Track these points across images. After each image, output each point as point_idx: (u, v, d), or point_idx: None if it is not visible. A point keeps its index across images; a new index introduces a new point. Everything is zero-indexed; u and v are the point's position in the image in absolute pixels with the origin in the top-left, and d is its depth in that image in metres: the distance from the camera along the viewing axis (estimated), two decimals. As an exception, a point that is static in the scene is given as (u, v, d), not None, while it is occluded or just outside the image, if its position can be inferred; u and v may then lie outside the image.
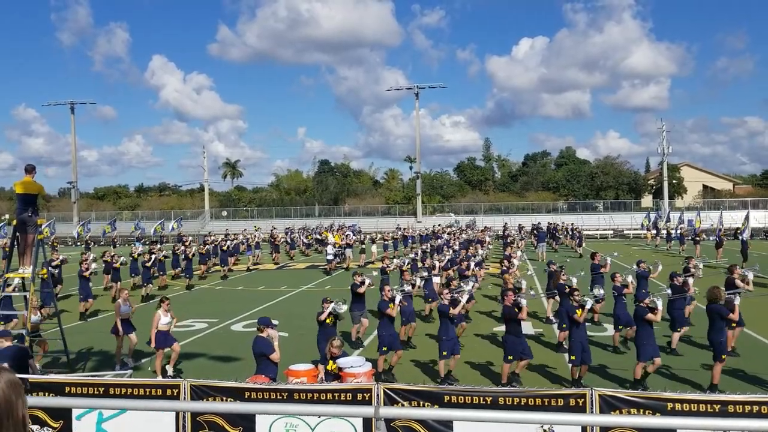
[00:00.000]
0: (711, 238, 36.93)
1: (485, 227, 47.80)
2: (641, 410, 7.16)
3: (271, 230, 41.86)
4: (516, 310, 11.26)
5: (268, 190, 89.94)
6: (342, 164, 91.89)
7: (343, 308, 12.15)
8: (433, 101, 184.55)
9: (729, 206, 52.43)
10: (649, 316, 10.92)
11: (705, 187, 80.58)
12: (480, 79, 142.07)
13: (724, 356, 10.68)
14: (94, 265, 20.66)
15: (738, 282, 13.65)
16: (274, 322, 10.35)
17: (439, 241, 31.70)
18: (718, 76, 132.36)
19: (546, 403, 7.28)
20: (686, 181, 77.68)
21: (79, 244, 54.34)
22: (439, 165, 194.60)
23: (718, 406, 7.17)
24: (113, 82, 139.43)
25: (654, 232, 45.24)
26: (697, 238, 34.02)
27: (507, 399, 7.12)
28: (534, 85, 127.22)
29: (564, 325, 13.41)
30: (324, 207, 76.56)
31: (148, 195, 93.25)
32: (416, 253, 25.13)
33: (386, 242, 36.18)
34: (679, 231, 38.85)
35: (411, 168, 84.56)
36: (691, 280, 14.84)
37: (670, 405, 7.22)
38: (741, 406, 7.20)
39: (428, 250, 26.63)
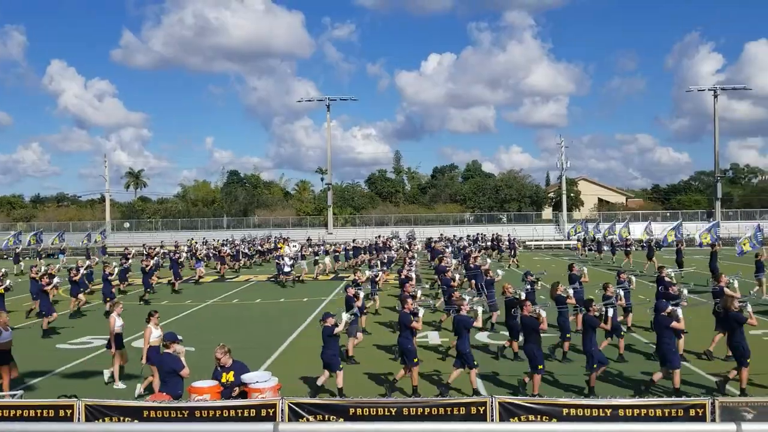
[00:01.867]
0: (642, 248, 38.40)
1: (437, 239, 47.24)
2: (539, 416, 7.43)
3: (216, 243, 40.78)
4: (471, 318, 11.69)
5: (174, 201, 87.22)
6: (252, 175, 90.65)
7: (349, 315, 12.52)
8: (344, 113, 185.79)
9: (622, 218, 55.31)
10: (603, 325, 11.60)
11: (600, 200, 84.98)
12: (390, 93, 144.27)
13: (748, 360, 11.06)
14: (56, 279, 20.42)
15: (726, 290, 14.43)
16: (179, 337, 10.06)
17: (392, 252, 31.86)
18: (612, 95, 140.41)
19: (449, 413, 7.42)
20: (583, 195, 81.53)
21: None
22: (351, 177, 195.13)
23: (609, 410, 7.54)
24: (9, 87, 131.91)
25: (582, 242, 46.99)
26: (629, 249, 35.75)
27: (411, 409, 7.21)
28: (442, 100, 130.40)
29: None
30: (233, 219, 75.08)
31: (45, 206, 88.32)
32: (411, 265, 24.89)
33: (338, 254, 35.95)
34: (610, 240, 40.79)
35: (322, 179, 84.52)
36: (621, 293, 15.36)
37: (565, 410, 7.50)
38: (630, 410, 7.60)
39: (386, 261, 26.62)
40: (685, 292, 14.64)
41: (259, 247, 44.84)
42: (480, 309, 12.71)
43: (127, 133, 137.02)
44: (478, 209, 76.11)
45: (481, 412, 7.34)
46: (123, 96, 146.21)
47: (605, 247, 40.31)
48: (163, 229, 70.33)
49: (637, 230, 45.53)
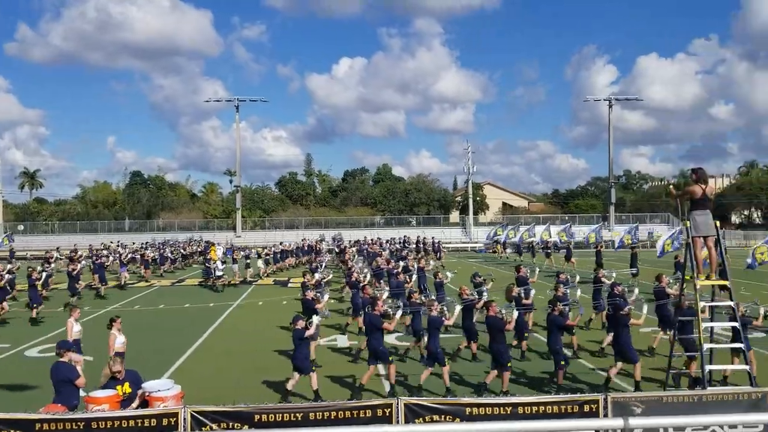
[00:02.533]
0: (562, 251, 39.57)
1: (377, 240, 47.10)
2: (443, 416, 7.60)
3: (142, 245, 38.74)
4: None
5: (73, 202, 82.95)
6: (156, 176, 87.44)
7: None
8: (254, 114, 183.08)
9: (525, 222, 57.46)
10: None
11: (505, 204, 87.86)
12: (301, 95, 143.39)
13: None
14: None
15: (668, 290, 14.99)
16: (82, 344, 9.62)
17: (323, 256, 31.42)
18: (515, 103, 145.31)
19: (356, 415, 7.47)
20: (488, 199, 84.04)
21: None
22: (261, 179, 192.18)
23: (510, 408, 7.82)
24: None
25: (502, 245, 48.24)
26: (549, 251, 36.92)
27: (318, 414, 7.22)
28: (353, 103, 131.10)
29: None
30: (135, 221, 72.33)
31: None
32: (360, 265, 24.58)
33: (268, 257, 35.29)
34: (530, 243, 42.18)
35: (231, 181, 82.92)
36: (533, 293, 16.01)
37: (468, 410, 7.73)
38: (528, 407, 7.91)
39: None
40: (636, 291, 15.37)
41: (183, 251, 43.55)
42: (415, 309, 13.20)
43: (22, 131, 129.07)
44: (388, 212, 76.83)
45: (387, 414, 7.44)
46: (18, 92, 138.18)
47: (524, 249, 41.82)
48: (61, 232, 66.83)
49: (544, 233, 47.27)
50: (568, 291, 15.78)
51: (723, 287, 11.24)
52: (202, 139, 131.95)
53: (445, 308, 12.85)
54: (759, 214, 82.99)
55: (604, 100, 68.96)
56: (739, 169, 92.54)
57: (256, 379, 12.80)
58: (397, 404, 7.43)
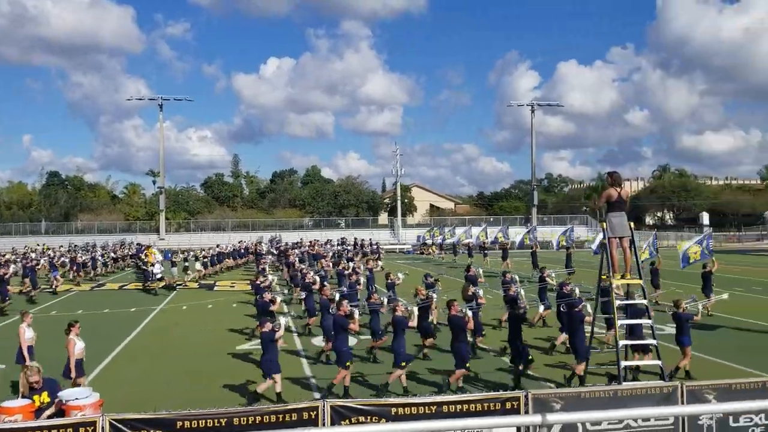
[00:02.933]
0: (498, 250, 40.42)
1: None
2: (369, 417, 7.65)
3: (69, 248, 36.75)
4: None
5: (-16, 203, 78.83)
6: (75, 177, 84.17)
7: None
8: (178, 114, 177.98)
9: (451, 223, 58.40)
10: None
11: (432, 206, 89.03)
12: (227, 95, 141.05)
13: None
14: None
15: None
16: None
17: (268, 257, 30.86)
18: (442, 107, 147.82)
19: (281, 419, 7.42)
20: (416, 201, 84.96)
21: None
22: (185, 180, 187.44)
23: (435, 407, 7.95)
24: None
25: (438, 246, 48.67)
26: (486, 252, 37.76)
27: (242, 419, 7.13)
28: (281, 104, 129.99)
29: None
30: (52, 223, 69.27)
31: None
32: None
33: (206, 259, 34.57)
34: (467, 244, 42.93)
35: (154, 182, 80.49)
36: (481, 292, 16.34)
37: (394, 410, 7.81)
38: (453, 406, 8.07)
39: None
40: (577, 290, 15.82)
41: (113, 254, 41.97)
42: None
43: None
44: (317, 214, 76.50)
45: (313, 416, 7.42)
46: None
47: (461, 250, 42.53)
48: (-30, 234, 63.40)
49: (469, 235, 48.28)
50: (522, 291, 16.33)
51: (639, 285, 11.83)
52: (124, 138, 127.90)
53: (409, 308, 13.17)
54: (671, 215, 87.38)
55: (527, 105, 70.95)
56: (652, 172, 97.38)
57: (181, 385, 12.52)
58: (323, 407, 7.42)
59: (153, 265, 28.98)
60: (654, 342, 11.15)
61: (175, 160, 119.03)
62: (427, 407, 7.82)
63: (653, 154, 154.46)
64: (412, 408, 7.78)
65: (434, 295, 15.64)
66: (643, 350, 12.35)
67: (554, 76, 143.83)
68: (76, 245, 46.25)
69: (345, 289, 18.41)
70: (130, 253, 44.27)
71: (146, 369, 14.05)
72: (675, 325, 12.75)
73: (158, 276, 28.29)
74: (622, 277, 11.37)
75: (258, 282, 18.95)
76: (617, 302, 11.41)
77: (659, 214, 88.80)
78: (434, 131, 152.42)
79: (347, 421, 7.49)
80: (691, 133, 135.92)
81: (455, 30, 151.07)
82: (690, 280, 23.70)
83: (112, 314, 22.22)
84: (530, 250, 34.07)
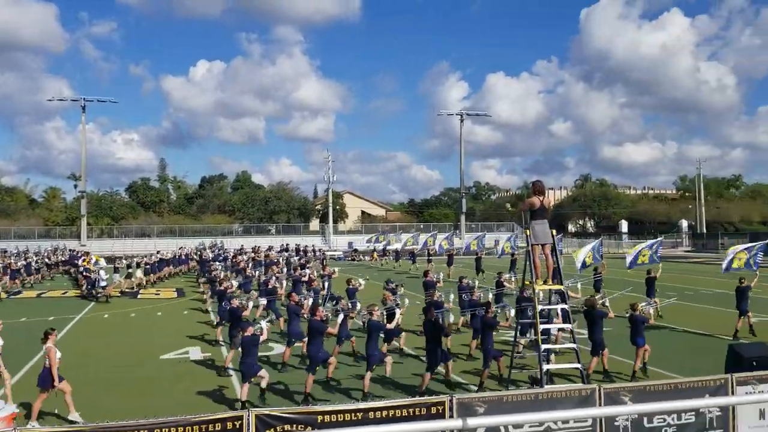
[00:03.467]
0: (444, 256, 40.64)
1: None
2: (295, 425, 7.59)
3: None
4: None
5: None
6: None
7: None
8: (102, 116, 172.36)
9: (382, 230, 58.67)
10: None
11: (363, 212, 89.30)
12: (155, 97, 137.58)
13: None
14: None
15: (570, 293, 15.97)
16: None
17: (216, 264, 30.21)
18: (374, 114, 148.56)
19: (205, 430, 7.27)
20: (348, 207, 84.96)
21: None
22: (109, 184, 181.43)
23: (361, 414, 7.97)
24: None
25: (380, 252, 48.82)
26: (430, 258, 38.26)
27: (163, 429, 6.95)
28: (211, 108, 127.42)
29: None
30: (-37, 228, 65.65)
31: None
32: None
33: (147, 266, 33.41)
34: (411, 250, 43.49)
35: (76, 186, 77.37)
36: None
37: (320, 417, 7.78)
38: (379, 412, 8.10)
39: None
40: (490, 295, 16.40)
41: (47, 260, 40.11)
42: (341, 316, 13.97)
43: None
44: (247, 220, 75.40)
45: (238, 426, 7.32)
46: None
47: (405, 257, 43.30)
48: None
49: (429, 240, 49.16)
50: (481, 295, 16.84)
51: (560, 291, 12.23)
52: (44, 140, 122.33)
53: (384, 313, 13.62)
54: (592, 223, 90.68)
55: (456, 114, 72.13)
56: (575, 182, 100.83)
57: (100, 395, 12.07)
58: (248, 416, 7.33)
59: (95, 273, 28.27)
60: (574, 346, 11.54)
61: (99, 164, 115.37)
62: (353, 414, 7.83)
63: (576, 164, 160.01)
64: (338, 415, 7.78)
65: (407, 300, 15.98)
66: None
67: (483, 86, 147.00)
68: (5, 250, 44.00)
69: (312, 294, 18.52)
70: (62, 259, 42.69)
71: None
72: (630, 327, 13.45)
73: (102, 283, 27.50)
74: (545, 282, 11.75)
75: (223, 288, 18.54)
76: (539, 307, 11.74)
77: (581, 222, 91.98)
78: (367, 138, 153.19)
79: (273, 430, 7.42)
80: (611, 144, 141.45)
81: (388, 38, 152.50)
82: (614, 286, 24.65)
83: (28, 323, 21.21)
84: (475, 256, 35.27)
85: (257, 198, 79.18)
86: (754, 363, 10.45)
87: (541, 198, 11.52)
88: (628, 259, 22.57)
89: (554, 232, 11.79)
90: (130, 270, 33.25)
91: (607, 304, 16.65)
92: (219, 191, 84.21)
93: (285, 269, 28.44)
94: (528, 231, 11.60)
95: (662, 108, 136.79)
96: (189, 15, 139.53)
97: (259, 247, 44.39)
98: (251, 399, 11.31)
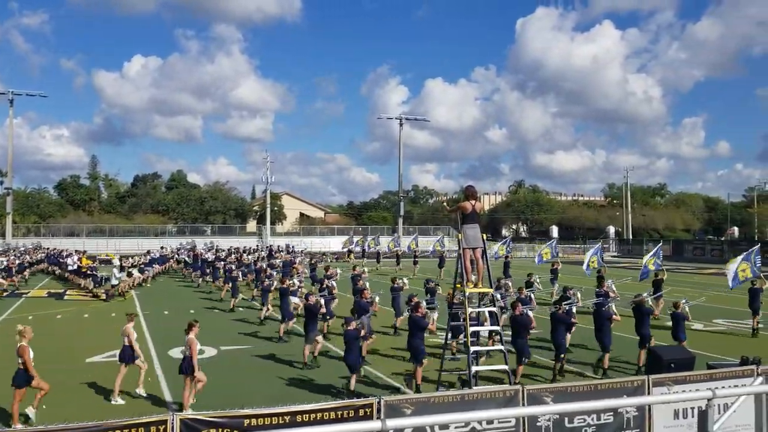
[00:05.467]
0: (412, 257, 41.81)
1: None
2: (220, 429, 7.53)
3: None
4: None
5: None
6: None
7: None
8: (31, 110, 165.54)
9: (320, 232, 58.50)
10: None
11: (302, 214, 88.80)
12: (87, 92, 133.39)
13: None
14: None
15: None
16: None
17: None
18: (314, 116, 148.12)
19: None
20: (286, 209, 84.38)
21: None
22: (37, 181, 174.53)
23: (288, 417, 7.96)
24: None
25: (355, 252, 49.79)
26: (398, 259, 40.89)
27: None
28: (145, 104, 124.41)
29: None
30: None
31: None
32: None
33: (143, 266, 33.34)
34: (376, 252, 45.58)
35: (1, 183, 74.04)
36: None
37: (247, 421, 7.74)
38: (308, 415, 8.13)
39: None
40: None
41: (29, 258, 38.62)
42: None
43: None
44: (181, 220, 73.85)
45: (162, 430, 7.22)
46: None
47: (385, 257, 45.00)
48: None
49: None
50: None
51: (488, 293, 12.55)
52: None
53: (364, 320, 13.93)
54: (525, 228, 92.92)
55: (395, 118, 72.64)
56: (509, 187, 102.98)
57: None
58: (173, 420, 7.24)
59: (111, 270, 28.72)
60: (502, 348, 11.85)
61: (26, 160, 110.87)
62: (281, 417, 7.83)
63: (510, 170, 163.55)
64: (266, 419, 7.76)
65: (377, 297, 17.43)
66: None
67: (422, 91, 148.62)
68: None
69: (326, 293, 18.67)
70: (40, 257, 41.41)
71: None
72: (672, 323, 14.65)
73: (114, 282, 27.74)
74: (475, 285, 12.02)
75: (285, 286, 18.82)
76: (468, 309, 11.99)
77: (514, 227, 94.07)
78: (306, 140, 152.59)
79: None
80: (544, 151, 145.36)
81: (329, 39, 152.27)
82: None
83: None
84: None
85: (192, 198, 77.73)
86: (672, 365, 11.05)
87: (473, 203, 11.80)
88: (730, 279, 20.25)
89: (485, 236, 12.08)
90: (132, 269, 32.58)
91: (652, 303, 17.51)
92: (152, 190, 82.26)
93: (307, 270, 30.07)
94: (460, 235, 11.87)
95: (592, 117, 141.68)
96: (123, 9, 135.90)
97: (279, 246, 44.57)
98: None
